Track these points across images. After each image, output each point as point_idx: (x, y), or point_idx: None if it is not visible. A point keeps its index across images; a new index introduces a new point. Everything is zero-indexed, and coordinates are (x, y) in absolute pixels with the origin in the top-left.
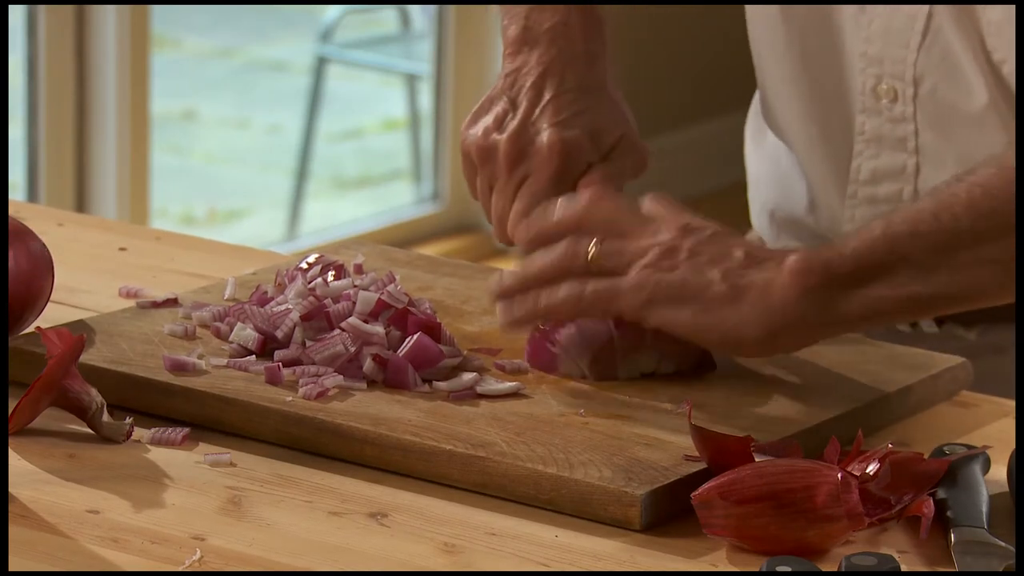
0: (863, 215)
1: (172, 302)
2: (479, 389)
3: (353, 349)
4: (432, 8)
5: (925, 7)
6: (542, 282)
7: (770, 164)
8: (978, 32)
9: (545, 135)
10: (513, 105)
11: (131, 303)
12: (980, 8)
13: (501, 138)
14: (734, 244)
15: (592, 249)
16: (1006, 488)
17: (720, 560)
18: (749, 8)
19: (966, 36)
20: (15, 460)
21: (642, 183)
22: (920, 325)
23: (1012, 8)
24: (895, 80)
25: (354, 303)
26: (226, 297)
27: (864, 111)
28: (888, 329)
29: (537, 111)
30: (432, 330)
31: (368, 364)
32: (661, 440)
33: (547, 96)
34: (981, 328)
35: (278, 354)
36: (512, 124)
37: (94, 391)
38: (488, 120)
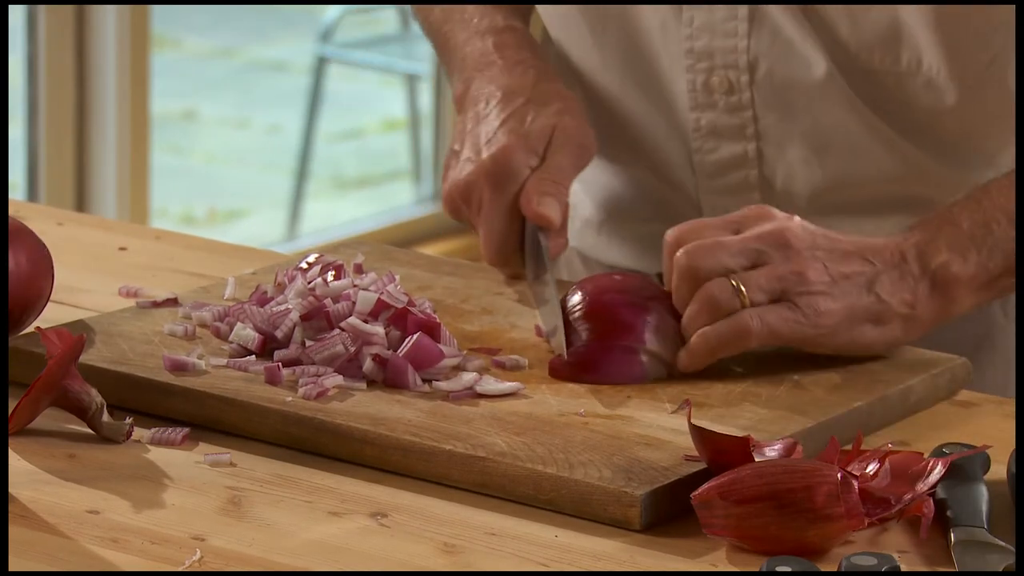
0: (720, 205)
1: (172, 302)
2: (479, 389)
3: (353, 349)
4: None
5: None
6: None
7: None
8: (803, 5)
9: (474, 164)
10: (456, 151)
11: (131, 303)
12: None
13: (449, 186)
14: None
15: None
16: (1006, 488)
17: (720, 560)
18: (564, 44)
19: (791, 12)
20: (15, 460)
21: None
22: None
23: None
24: (728, 70)
25: (354, 303)
26: (226, 297)
27: (697, 107)
28: None
29: (469, 141)
30: (432, 330)
31: (368, 364)
32: (661, 440)
33: (471, 126)
34: None
35: (278, 354)
36: (453, 168)
37: (94, 391)
38: (449, 172)
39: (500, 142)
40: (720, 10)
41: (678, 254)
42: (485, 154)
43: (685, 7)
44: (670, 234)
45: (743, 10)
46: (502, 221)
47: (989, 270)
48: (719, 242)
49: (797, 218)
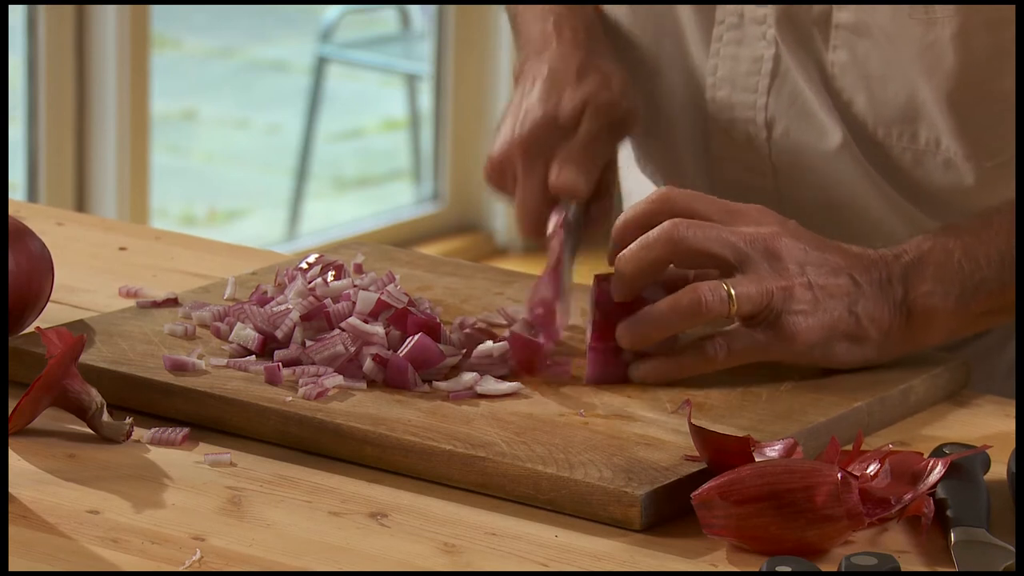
0: None
1: (172, 302)
2: (479, 389)
3: (353, 349)
4: (432, 8)
5: (771, 50)
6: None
7: (646, 185)
8: (822, 73)
9: (509, 139)
10: (500, 127)
11: (131, 303)
12: (822, 50)
13: (487, 161)
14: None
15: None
16: (1006, 488)
17: (720, 560)
18: None
19: (810, 79)
20: (15, 460)
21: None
22: None
23: (854, 49)
24: (748, 124)
25: (354, 303)
26: (226, 297)
27: (720, 158)
28: None
29: (511, 116)
30: (432, 330)
31: (368, 364)
32: (661, 440)
33: (516, 102)
34: None
35: (278, 354)
36: (495, 143)
37: (94, 391)
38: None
39: (533, 118)
40: (744, 64)
41: (669, 222)
42: (518, 131)
43: (710, 54)
44: (666, 191)
45: (766, 66)
46: (535, 197)
47: (970, 309)
48: (713, 226)
49: (792, 223)
